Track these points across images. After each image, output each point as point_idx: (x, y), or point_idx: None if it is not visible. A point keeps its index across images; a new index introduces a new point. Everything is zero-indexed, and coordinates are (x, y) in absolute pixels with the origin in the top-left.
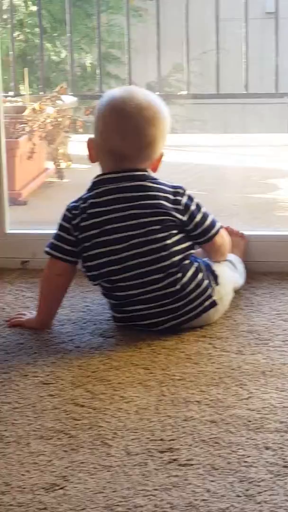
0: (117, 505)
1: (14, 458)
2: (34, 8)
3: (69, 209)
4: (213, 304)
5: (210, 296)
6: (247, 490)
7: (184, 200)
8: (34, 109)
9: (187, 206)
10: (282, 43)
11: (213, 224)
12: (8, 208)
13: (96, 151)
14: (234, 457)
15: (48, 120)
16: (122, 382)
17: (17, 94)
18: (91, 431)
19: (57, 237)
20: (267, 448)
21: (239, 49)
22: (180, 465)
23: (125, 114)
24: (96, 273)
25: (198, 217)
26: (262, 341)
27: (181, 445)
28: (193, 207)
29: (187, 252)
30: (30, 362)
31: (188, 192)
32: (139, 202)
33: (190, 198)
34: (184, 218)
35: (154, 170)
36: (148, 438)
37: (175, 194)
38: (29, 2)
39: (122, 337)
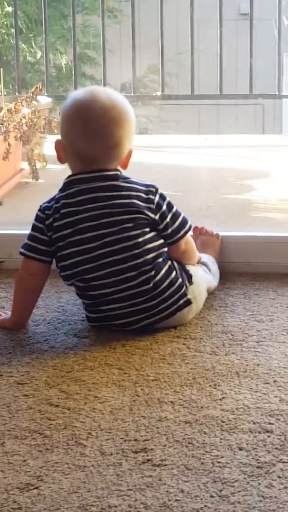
0: (92, 505)
1: None
2: (9, 9)
3: (42, 210)
4: (188, 302)
5: (184, 295)
6: (220, 490)
7: (156, 199)
8: (9, 110)
9: (159, 205)
10: (256, 44)
11: (182, 225)
12: None
13: (64, 153)
14: (208, 457)
15: (23, 121)
16: (96, 383)
17: None
18: (65, 431)
19: (31, 237)
20: (240, 449)
21: (213, 50)
22: (154, 465)
23: (89, 117)
24: (70, 272)
25: (169, 217)
26: (236, 341)
27: (155, 445)
28: (164, 207)
29: (160, 250)
30: (4, 362)
31: (160, 191)
32: (112, 202)
33: (162, 197)
34: (156, 217)
35: (124, 167)
36: (122, 438)
37: (147, 192)
38: (5, 3)
39: (97, 338)
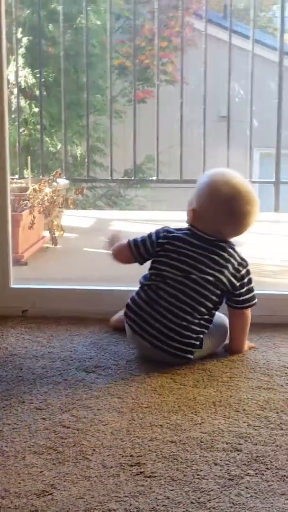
0: (95, 509)
1: (12, 469)
2: (36, 110)
3: (164, 230)
4: (189, 359)
5: (191, 352)
6: (199, 498)
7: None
8: (34, 189)
9: (242, 277)
10: (232, 140)
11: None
12: (12, 267)
13: (198, 218)
14: (189, 471)
15: (45, 198)
16: (100, 409)
17: (22, 177)
18: (75, 448)
19: (143, 238)
20: (216, 464)
21: (198, 145)
22: (146, 476)
23: (236, 213)
24: (154, 271)
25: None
26: (213, 377)
27: (147, 460)
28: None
29: (213, 311)
30: (26, 391)
31: (249, 267)
32: (207, 254)
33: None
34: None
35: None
36: (120, 454)
37: (239, 264)
38: (33, 105)
39: (101, 372)
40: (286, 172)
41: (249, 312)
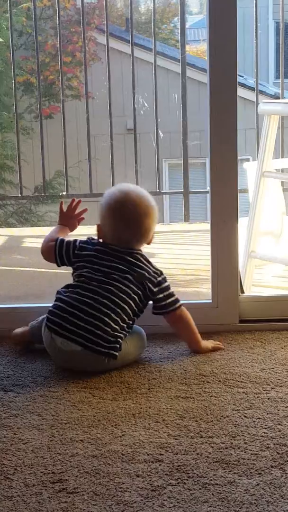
0: None
1: None
2: None
3: (85, 242)
4: (115, 356)
5: (116, 349)
6: (123, 511)
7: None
8: None
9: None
10: (140, 152)
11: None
12: None
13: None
14: (112, 484)
15: None
16: (20, 427)
17: None
18: None
19: (69, 241)
20: (138, 476)
21: (107, 158)
22: (68, 492)
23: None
24: (75, 278)
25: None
26: (131, 389)
27: (69, 476)
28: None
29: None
30: None
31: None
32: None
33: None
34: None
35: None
36: (42, 472)
37: (154, 272)
38: None
39: (20, 390)
40: (194, 181)
41: (183, 313)
